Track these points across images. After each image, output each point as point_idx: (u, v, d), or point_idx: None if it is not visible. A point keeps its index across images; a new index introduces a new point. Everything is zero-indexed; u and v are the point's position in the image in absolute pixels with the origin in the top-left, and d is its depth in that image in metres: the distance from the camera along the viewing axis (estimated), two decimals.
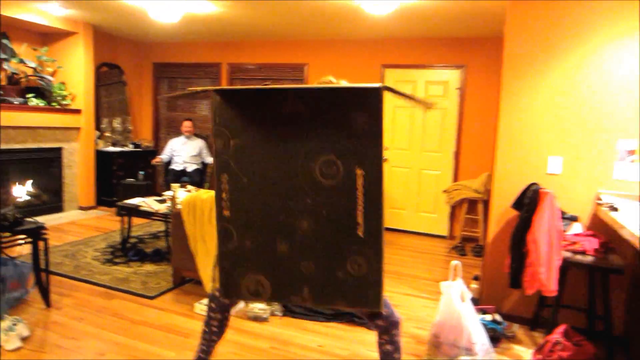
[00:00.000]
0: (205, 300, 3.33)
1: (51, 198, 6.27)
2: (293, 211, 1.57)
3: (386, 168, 6.36)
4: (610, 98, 3.25)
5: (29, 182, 6.01)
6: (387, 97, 5.58)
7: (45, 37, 6.34)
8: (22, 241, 3.14)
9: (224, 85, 7.23)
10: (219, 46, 7.21)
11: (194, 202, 3.51)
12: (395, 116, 6.26)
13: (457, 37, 5.90)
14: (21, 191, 5.95)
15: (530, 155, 3.46)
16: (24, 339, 2.79)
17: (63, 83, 6.25)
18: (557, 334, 2.84)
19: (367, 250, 1.54)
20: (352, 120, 1.47)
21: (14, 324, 2.81)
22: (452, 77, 6.00)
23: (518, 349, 3.07)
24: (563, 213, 3.23)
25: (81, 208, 6.58)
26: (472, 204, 5.79)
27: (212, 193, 3.59)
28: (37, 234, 3.19)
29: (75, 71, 6.31)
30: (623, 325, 3.28)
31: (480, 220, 5.59)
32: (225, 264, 1.67)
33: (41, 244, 3.23)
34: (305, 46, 6.70)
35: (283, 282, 1.64)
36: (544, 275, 2.84)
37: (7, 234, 3.02)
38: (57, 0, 5.07)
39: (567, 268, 2.98)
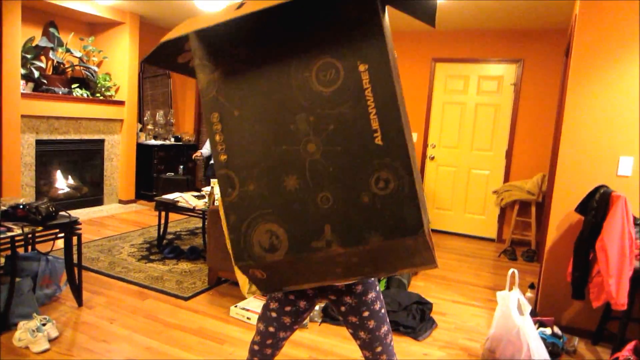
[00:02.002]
0: (242, 303, 3.18)
1: (92, 190, 6.31)
2: (296, 135, 1.30)
3: (433, 167, 6.06)
4: None
5: (70, 174, 6.05)
6: (437, 92, 5.23)
7: (92, 27, 6.37)
8: (54, 236, 3.06)
9: None
10: None
11: None
12: (444, 112, 5.95)
13: (514, 29, 5.52)
14: (63, 183, 6.00)
15: (599, 155, 3.13)
16: (52, 340, 2.70)
17: (108, 74, 6.26)
18: (626, 351, 2.53)
19: (392, 160, 1.23)
20: (340, 11, 1.22)
21: (43, 324, 2.72)
22: (507, 72, 5.63)
23: None
24: (635, 219, 2.90)
25: (121, 201, 6.60)
26: (524, 206, 5.43)
27: None
28: (70, 229, 3.11)
29: (120, 62, 6.30)
30: None
31: (533, 224, 5.24)
32: (231, 219, 1.36)
33: (74, 239, 3.16)
34: None
35: (299, 226, 1.31)
36: (614, 287, 2.54)
37: (40, 228, 2.94)
38: None
39: (638, 279, 2.67)
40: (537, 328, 2.86)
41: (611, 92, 3.08)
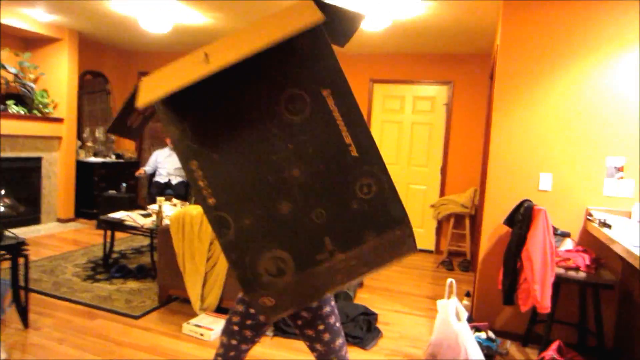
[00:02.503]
0: (195, 320, 3.24)
1: (28, 209, 6.09)
2: (279, 164, 1.40)
3: None
4: (599, 116, 3.29)
5: (4, 193, 5.82)
6: (375, 111, 5.51)
7: (28, 42, 6.20)
8: (1, 258, 3.00)
9: None
10: None
11: (183, 217, 3.41)
12: (383, 131, 6.26)
13: (445, 53, 5.94)
14: None
15: (522, 171, 3.47)
16: None
17: (45, 90, 6.10)
18: (551, 351, 2.82)
19: (369, 166, 1.39)
20: (295, 45, 1.34)
21: None
22: (439, 93, 6.03)
23: None
24: (555, 229, 3.23)
25: (59, 220, 6.40)
26: (458, 218, 5.79)
27: (201, 209, 3.50)
28: (17, 250, 3.06)
29: (58, 79, 6.16)
30: (614, 340, 3.28)
31: (467, 235, 5.60)
32: (232, 257, 1.42)
33: (21, 260, 3.10)
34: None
35: (301, 245, 1.41)
36: (539, 292, 2.82)
37: None
38: (44, 5, 4.94)
39: (559, 284, 2.99)
40: (474, 333, 3.11)
41: (531, 114, 3.43)
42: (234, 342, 1.80)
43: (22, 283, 3.14)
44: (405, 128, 6.18)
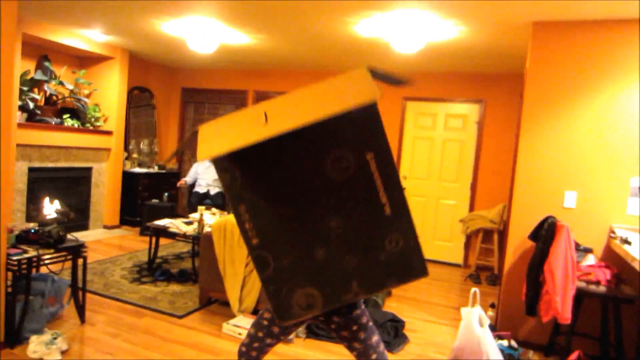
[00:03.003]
0: (233, 320, 3.49)
1: (78, 216, 6.51)
2: (319, 216, 1.57)
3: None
4: (624, 138, 3.42)
5: (57, 200, 6.26)
6: (407, 128, 5.71)
7: (83, 60, 6.68)
8: (64, 258, 3.33)
9: None
10: (246, 74, 7.51)
11: (224, 225, 3.69)
12: (414, 147, 6.45)
13: (477, 73, 6.11)
14: (50, 208, 6.20)
15: (548, 189, 3.61)
16: (63, 353, 2.96)
17: (97, 105, 6.56)
18: None
19: (399, 224, 1.57)
20: (347, 114, 1.47)
21: (55, 338, 2.99)
22: (471, 111, 6.19)
23: None
24: (578, 245, 3.36)
25: (105, 227, 6.81)
26: (487, 233, 5.90)
27: None
28: (77, 252, 3.39)
29: (109, 94, 6.62)
30: (635, 352, 3.36)
31: (495, 250, 5.70)
32: (270, 289, 1.64)
33: (80, 261, 3.43)
34: (328, 74, 6.95)
35: (331, 286, 1.62)
36: (559, 304, 2.96)
37: (51, 251, 3.22)
38: (101, 26, 5.37)
39: (581, 297, 3.11)
40: (496, 341, 3.25)
41: (558, 134, 3.58)
42: (260, 334, 1.97)
43: (79, 282, 3.47)
44: (437, 144, 6.35)
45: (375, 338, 1.96)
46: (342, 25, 4.31)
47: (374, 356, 1.93)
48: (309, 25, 4.44)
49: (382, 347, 1.98)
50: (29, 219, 5.77)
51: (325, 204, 1.56)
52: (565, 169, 3.58)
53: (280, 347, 3.25)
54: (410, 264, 1.59)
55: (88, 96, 6.58)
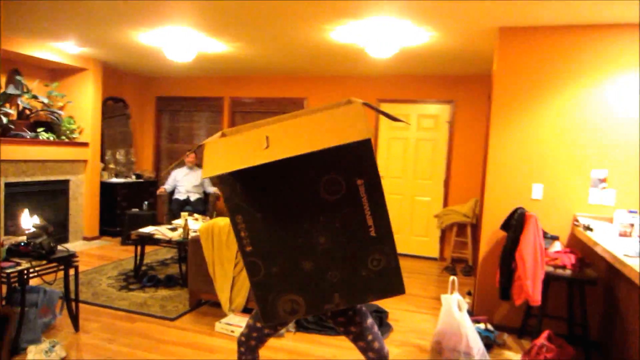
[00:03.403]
0: (225, 319, 3.62)
1: (57, 229, 6.49)
2: (309, 231, 1.73)
3: None
4: (585, 133, 3.71)
5: (37, 214, 6.24)
6: (382, 129, 5.90)
7: (55, 72, 6.67)
8: (56, 268, 3.40)
9: (226, 119, 7.60)
10: (221, 81, 7.61)
11: (211, 228, 3.82)
12: (389, 147, 6.68)
13: (447, 75, 6.39)
14: (28, 223, 6.17)
15: (516, 182, 3.86)
16: None
17: (71, 117, 6.55)
18: (542, 339, 3.19)
19: (382, 246, 1.74)
20: (342, 145, 1.59)
21: (53, 346, 3.07)
22: (442, 111, 6.46)
23: (508, 354, 3.42)
24: (545, 233, 3.62)
25: (85, 238, 6.81)
26: (461, 227, 6.17)
27: (228, 219, 3.91)
28: (69, 262, 3.47)
29: (83, 105, 6.63)
30: (598, 331, 3.65)
31: (469, 242, 5.97)
32: (259, 293, 1.81)
33: (71, 271, 3.51)
34: (304, 81, 7.14)
35: (315, 295, 1.80)
36: (530, 288, 3.20)
37: (44, 262, 3.29)
38: (75, 38, 5.40)
39: (549, 281, 3.36)
40: (474, 324, 3.48)
41: (525, 131, 3.84)
42: (258, 324, 2.12)
43: (72, 291, 3.54)
44: (411, 144, 6.60)
45: (370, 320, 2.12)
46: (318, 32, 4.49)
47: (370, 337, 2.09)
48: (286, 32, 4.61)
49: (376, 328, 2.15)
50: (7, 234, 5.75)
51: (315, 221, 1.73)
52: (532, 164, 3.84)
53: (272, 341, 3.40)
54: (389, 282, 1.79)
55: (62, 108, 6.57)
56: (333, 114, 1.71)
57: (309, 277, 1.78)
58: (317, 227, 1.74)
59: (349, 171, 1.69)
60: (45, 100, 6.21)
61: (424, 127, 6.56)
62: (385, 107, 6.70)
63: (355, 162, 1.69)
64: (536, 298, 3.21)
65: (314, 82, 7.09)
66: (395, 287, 1.80)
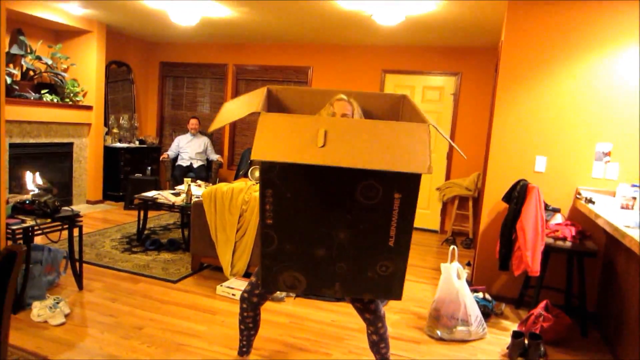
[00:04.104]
0: (227, 283, 3.68)
1: (61, 192, 6.52)
2: (333, 224, 1.77)
3: None
4: (591, 106, 3.67)
5: (41, 176, 6.26)
6: (388, 88, 5.82)
7: (59, 34, 6.60)
8: (61, 227, 3.44)
9: (229, 86, 7.55)
10: (225, 47, 7.53)
11: (214, 193, 3.84)
12: None
13: (453, 46, 6.29)
14: (32, 184, 6.21)
15: (520, 154, 3.85)
16: (66, 316, 3.10)
17: (75, 80, 6.51)
18: (539, 308, 3.23)
19: (396, 256, 1.79)
20: None
21: (57, 302, 3.12)
22: (447, 83, 6.40)
23: (506, 323, 3.47)
24: (547, 205, 3.63)
25: (89, 202, 6.85)
26: (462, 200, 6.18)
27: (231, 185, 3.92)
28: (73, 221, 3.50)
29: (87, 69, 6.58)
30: (596, 303, 3.69)
31: (470, 216, 6.00)
32: (266, 262, 1.87)
33: (75, 231, 3.54)
34: (309, 50, 7.05)
35: (318, 279, 1.87)
36: (530, 258, 3.22)
37: (49, 220, 3.32)
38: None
39: (549, 253, 3.39)
40: (472, 294, 3.52)
41: (530, 103, 3.80)
42: (260, 282, 2.18)
43: (76, 250, 3.59)
44: None
45: (382, 310, 2.28)
46: None
47: (379, 324, 2.26)
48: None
49: (384, 316, 2.32)
50: (11, 194, 5.78)
51: (341, 217, 1.77)
52: (536, 136, 3.82)
53: (272, 306, 3.45)
54: (389, 288, 1.86)
55: (65, 71, 6.53)
56: (399, 132, 1.68)
57: (318, 263, 1.84)
58: (341, 223, 1.78)
59: (391, 184, 1.71)
60: (49, 62, 6.17)
61: (429, 99, 6.51)
62: (390, 78, 6.64)
63: (401, 178, 1.70)
64: (535, 268, 3.24)
65: (319, 51, 7.00)
66: (393, 293, 1.89)
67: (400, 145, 1.65)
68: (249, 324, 2.38)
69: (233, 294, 3.57)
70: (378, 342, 2.30)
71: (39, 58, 6.01)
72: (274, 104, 2.16)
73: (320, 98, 2.22)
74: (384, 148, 1.64)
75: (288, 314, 3.35)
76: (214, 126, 1.77)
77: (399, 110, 2.24)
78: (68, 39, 6.60)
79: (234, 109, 1.90)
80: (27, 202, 3.38)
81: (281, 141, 1.65)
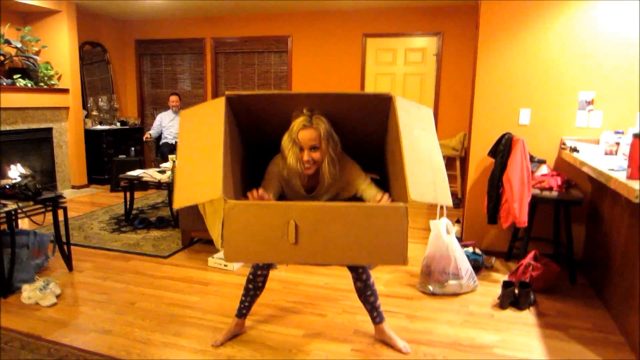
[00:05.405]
0: (218, 255, 3.67)
1: (44, 178, 6.42)
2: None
3: None
4: (572, 55, 3.65)
5: (22, 164, 6.14)
6: (369, 65, 5.72)
7: (26, 16, 6.40)
8: (44, 209, 3.38)
9: (209, 61, 7.41)
10: (202, 21, 7.36)
11: None
12: (376, 83, 6.58)
13: (433, 5, 6.20)
14: (15, 173, 6.09)
15: (504, 108, 3.84)
16: (57, 297, 3.07)
17: (48, 63, 6.34)
18: (528, 258, 3.27)
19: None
20: None
21: (47, 284, 3.09)
22: (429, 44, 6.33)
23: (496, 275, 3.52)
24: (532, 157, 3.64)
25: (74, 187, 6.76)
26: (449, 161, 6.19)
27: None
28: (56, 203, 3.44)
29: (59, 51, 6.40)
30: (583, 251, 3.74)
31: (457, 176, 6.02)
32: None
33: (61, 213, 3.49)
34: (288, 18, 6.92)
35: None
36: (517, 210, 3.24)
37: (31, 203, 3.26)
38: None
39: (536, 204, 3.42)
40: (462, 249, 3.55)
41: (511, 57, 3.77)
42: None
43: (62, 233, 3.54)
44: (398, 80, 6.50)
45: (372, 279, 2.40)
46: None
47: (369, 292, 2.34)
48: None
49: (375, 286, 2.44)
50: None
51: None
52: (519, 89, 3.80)
53: None
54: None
55: (37, 54, 6.35)
56: (373, 218, 1.73)
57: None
58: None
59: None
60: (19, 45, 5.98)
61: (411, 61, 6.45)
62: (372, 42, 6.56)
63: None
64: (523, 219, 3.26)
65: (298, 19, 6.88)
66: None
67: (375, 234, 1.71)
68: (259, 283, 2.44)
69: (225, 265, 3.57)
70: (363, 289, 2.36)
71: (8, 42, 5.82)
72: (241, 113, 2.09)
73: (289, 103, 2.10)
74: (359, 240, 1.71)
75: (281, 280, 3.36)
76: (178, 204, 1.81)
77: (386, 116, 2.10)
78: (37, 20, 6.40)
79: (192, 157, 1.89)
80: (7, 186, 3.32)
81: (252, 239, 1.73)
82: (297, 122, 2.04)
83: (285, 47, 6.97)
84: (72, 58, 6.46)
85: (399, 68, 6.48)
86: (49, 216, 3.48)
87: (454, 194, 6.23)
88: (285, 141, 2.07)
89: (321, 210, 1.74)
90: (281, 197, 2.27)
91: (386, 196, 1.91)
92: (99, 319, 2.77)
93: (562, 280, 3.38)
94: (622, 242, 2.83)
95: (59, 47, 6.40)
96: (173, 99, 6.65)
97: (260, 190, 1.90)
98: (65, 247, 3.54)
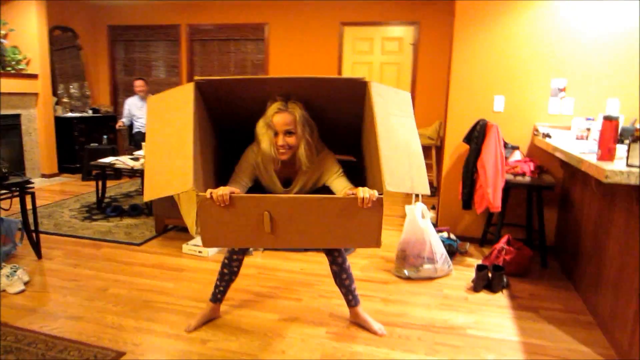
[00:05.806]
0: (192, 241, 3.62)
1: (12, 167, 6.23)
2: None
3: None
4: (545, 42, 3.69)
5: None
6: (346, 54, 5.69)
7: None
8: (11, 195, 3.28)
9: (184, 48, 7.28)
10: (177, 7, 7.21)
11: None
12: (353, 72, 6.57)
13: None
14: None
15: (479, 95, 3.87)
16: (25, 284, 2.99)
17: (16, 47, 6.14)
18: (501, 243, 3.32)
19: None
20: None
21: (14, 271, 3.00)
22: (406, 33, 6.34)
23: (470, 260, 3.56)
24: (506, 143, 3.68)
25: (44, 176, 6.58)
26: (425, 149, 6.17)
27: None
28: (23, 188, 3.34)
29: (28, 35, 6.20)
30: (555, 236, 3.81)
31: (433, 164, 6.06)
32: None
33: (29, 200, 3.39)
34: (265, 6, 6.83)
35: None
36: (491, 195, 3.28)
37: None
38: None
39: (509, 189, 3.46)
40: (437, 234, 3.58)
41: (486, 44, 3.80)
42: None
43: (31, 219, 3.44)
44: (375, 69, 6.50)
45: (348, 263, 2.43)
46: None
47: (344, 276, 2.39)
48: None
49: (350, 269, 2.46)
50: None
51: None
52: (494, 77, 3.83)
53: None
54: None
55: (5, 37, 6.14)
56: (347, 206, 1.76)
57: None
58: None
59: None
60: None
61: (388, 50, 6.44)
62: (349, 30, 6.53)
63: None
64: (497, 204, 3.30)
65: (275, 6, 6.80)
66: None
67: (350, 223, 1.76)
68: (234, 268, 2.42)
69: (200, 252, 3.52)
70: (339, 272, 2.37)
71: None
72: (213, 99, 2.05)
73: (262, 88, 2.07)
74: (334, 228, 1.76)
75: (257, 266, 3.34)
76: (148, 196, 1.83)
77: (363, 102, 2.08)
78: (4, 2, 6.18)
79: (162, 146, 1.86)
80: None
81: (228, 228, 1.77)
82: (272, 107, 2.03)
83: (262, 35, 6.90)
84: (41, 43, 6.27)
85: (376, 57, 6.47)
86: (17, 203, 3.37)
87: (429, 183, 6.28)
88: (260, 126, 2.06)
89: (295, 202, 1.75)
90: (256, 184, 2.24)
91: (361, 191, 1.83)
92: (69, 305, 2.71)
93: (534, 264, 3.44)
94: (591, 227, 2.88)
95: (27, 31, 6.20)
96: (138, 83, 6.43)
97: (221, 191, 1.80)
98: (33, 234, 3.44)
